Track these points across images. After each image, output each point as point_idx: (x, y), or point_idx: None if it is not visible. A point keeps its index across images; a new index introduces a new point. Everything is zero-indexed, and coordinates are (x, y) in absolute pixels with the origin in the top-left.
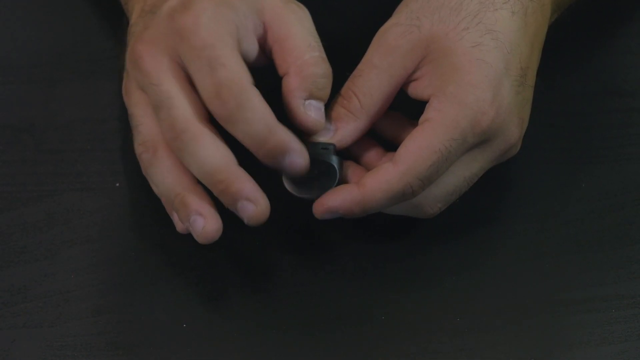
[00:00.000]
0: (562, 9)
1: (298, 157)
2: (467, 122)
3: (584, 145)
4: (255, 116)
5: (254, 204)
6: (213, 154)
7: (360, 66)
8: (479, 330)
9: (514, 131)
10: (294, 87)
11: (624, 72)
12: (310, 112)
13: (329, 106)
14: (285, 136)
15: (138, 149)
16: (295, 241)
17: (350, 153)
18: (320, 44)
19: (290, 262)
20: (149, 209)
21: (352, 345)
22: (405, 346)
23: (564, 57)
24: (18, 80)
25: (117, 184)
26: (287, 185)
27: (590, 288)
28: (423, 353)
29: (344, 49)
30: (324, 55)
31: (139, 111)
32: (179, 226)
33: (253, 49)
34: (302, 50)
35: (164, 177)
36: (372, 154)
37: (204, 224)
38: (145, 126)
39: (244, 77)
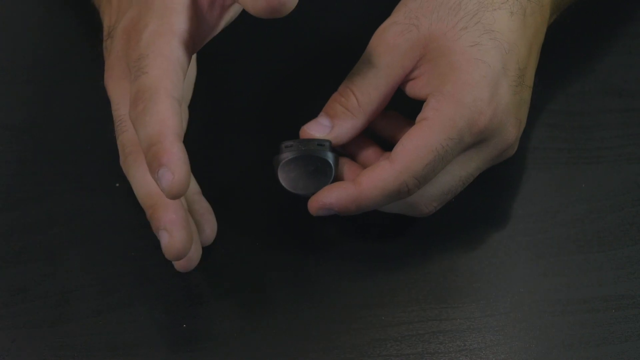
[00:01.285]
0: (562, 10)
1: (169, 173)
2: (465, 122)
3: (584, 145)
4: (152, 119)
5: (169, 234)
6: (146, 179)
7: (358, 64)
8: (478, 330)
9: (511, 132)
10: None
11: (624, 72)
12: None
13: (325, 102)
14: (168, 147)
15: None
16: (295, 241)
17: (346, 151)
18: None
19: (290, 262)
20: None
21: (352, 345)
22: (404, 346)
23: (563, 57)
24: (18, 80)
25: (117, 184)
26: (283, 181)
27: (590, 288)
28: (423, 353)
29: (343, 47)
30: None
31: None
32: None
33: (216, 21)
34: None
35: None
36: (369, 152)
37: (167, 238)
38: None
39: (163, 86)
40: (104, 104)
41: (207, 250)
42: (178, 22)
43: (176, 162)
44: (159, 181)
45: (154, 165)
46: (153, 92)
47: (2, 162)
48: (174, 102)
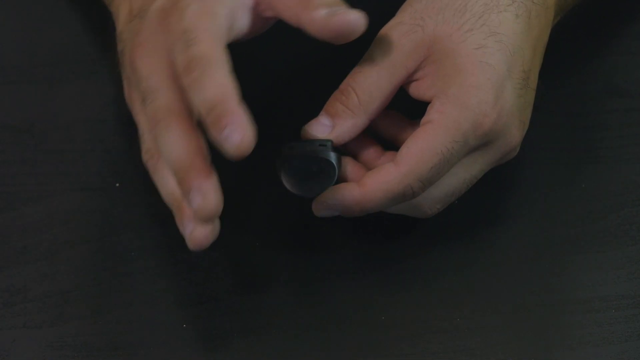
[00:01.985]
0: (565, 12)
1: (237, 131)
2: (469, 124)
3: (584, 145)
4: (212, 83)
5: (202, 195)
6: (181, 143)
7: (361, 63)
8: (479, 330)
9: (515, 134)
10: (310, 9)
11: (624, 72)
12: (340, 15)
13: (326, 101)
14: (234, 108)
15: (144, 157)
16: (295, 241)
17: (347, 150)
18: None
19: (290, 262)
20: (149, 209)
21: (351, 345)
22: (404, 346)
23: (564, 57)
24: (18, 80)
25: (117, 184)
26: (286, 182)
27: (590, 288)
28: (423, 353)
29: (346, 48)
30: None
31: (142, 120)
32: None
33: (251, 23)
34: None
35: (163, 183)
36: (370, 152)
37: (192, 228)
38: (147, 134)
39: (215, 56)
40: (104, 104)
41: (207, 250)
42: (219, 7)
43: (244, 122)
44: (225, 141)
45: (219, 125)
46: (208, 59)
47: (2, 162)
48: (230, 72)
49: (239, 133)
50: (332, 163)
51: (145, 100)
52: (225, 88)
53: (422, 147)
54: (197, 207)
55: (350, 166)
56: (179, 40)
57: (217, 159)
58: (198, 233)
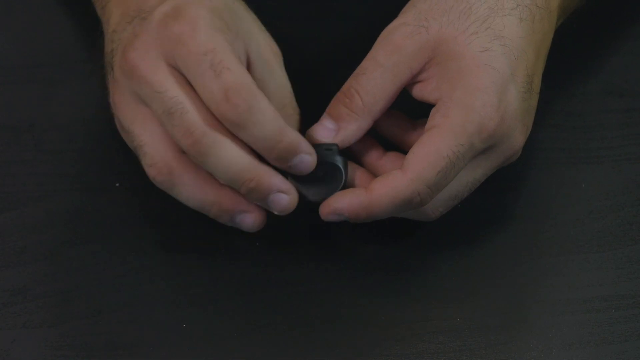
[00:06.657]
0: (568, 14)
1: (308, 156)
2: (474, 127)
3: (584, 145)
4: (266, 118)
5: (286, 194)
6: (238, 154)
7: (363, 64)
8: (479, 330)
9: (518, 138)
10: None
11: (624, 72)
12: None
13: (328, 103)
14: (295, 137)
15: (150, 171)
16: (295, 241)
17: (350, 152)
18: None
19: (290, 262)
20: (149, 209)
21: (351, 345)
22: (404, 346)
23: (564, 58)
24: (18, 80)
25: (117, 184)
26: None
27: (590, 288)
28: (423, 353)
29: (346, 49)
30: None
31: (139, 129)
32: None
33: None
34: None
35: (190, 193)
36: (371, 153)
37: (253, 218)
38: (150, 146)
39: (250, 80)
40: (104, 104)
41: (207, 250)
42: (226, 27)
43: (310, 147)
44: (297, 166)
45: (290, 156)
46: (249, 90)
47: (2, 162)
48: (267, 98)
49: (308, 157)
50: (340, 168)
51: (171, 115)
52: (280, 120)
53: (428, 151)
54: (287, 204)
55: (358, 173)
56: (201, 62)
57: None
58: (258, 218)
